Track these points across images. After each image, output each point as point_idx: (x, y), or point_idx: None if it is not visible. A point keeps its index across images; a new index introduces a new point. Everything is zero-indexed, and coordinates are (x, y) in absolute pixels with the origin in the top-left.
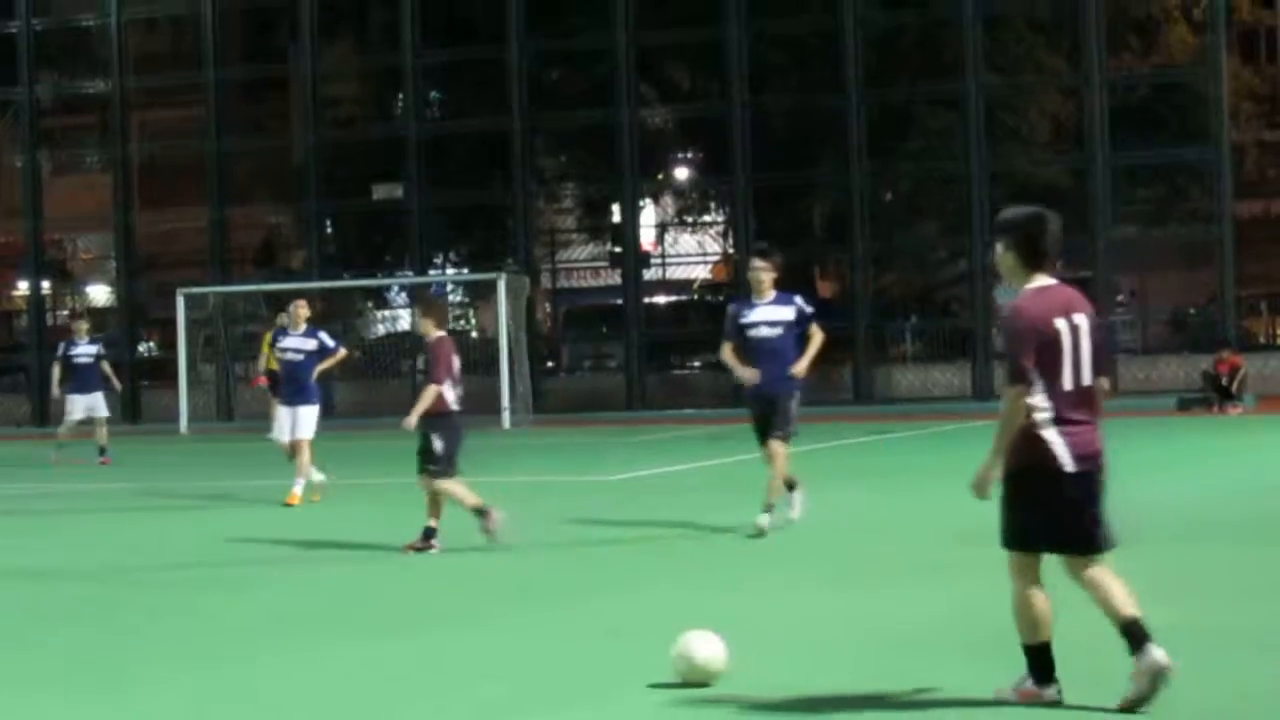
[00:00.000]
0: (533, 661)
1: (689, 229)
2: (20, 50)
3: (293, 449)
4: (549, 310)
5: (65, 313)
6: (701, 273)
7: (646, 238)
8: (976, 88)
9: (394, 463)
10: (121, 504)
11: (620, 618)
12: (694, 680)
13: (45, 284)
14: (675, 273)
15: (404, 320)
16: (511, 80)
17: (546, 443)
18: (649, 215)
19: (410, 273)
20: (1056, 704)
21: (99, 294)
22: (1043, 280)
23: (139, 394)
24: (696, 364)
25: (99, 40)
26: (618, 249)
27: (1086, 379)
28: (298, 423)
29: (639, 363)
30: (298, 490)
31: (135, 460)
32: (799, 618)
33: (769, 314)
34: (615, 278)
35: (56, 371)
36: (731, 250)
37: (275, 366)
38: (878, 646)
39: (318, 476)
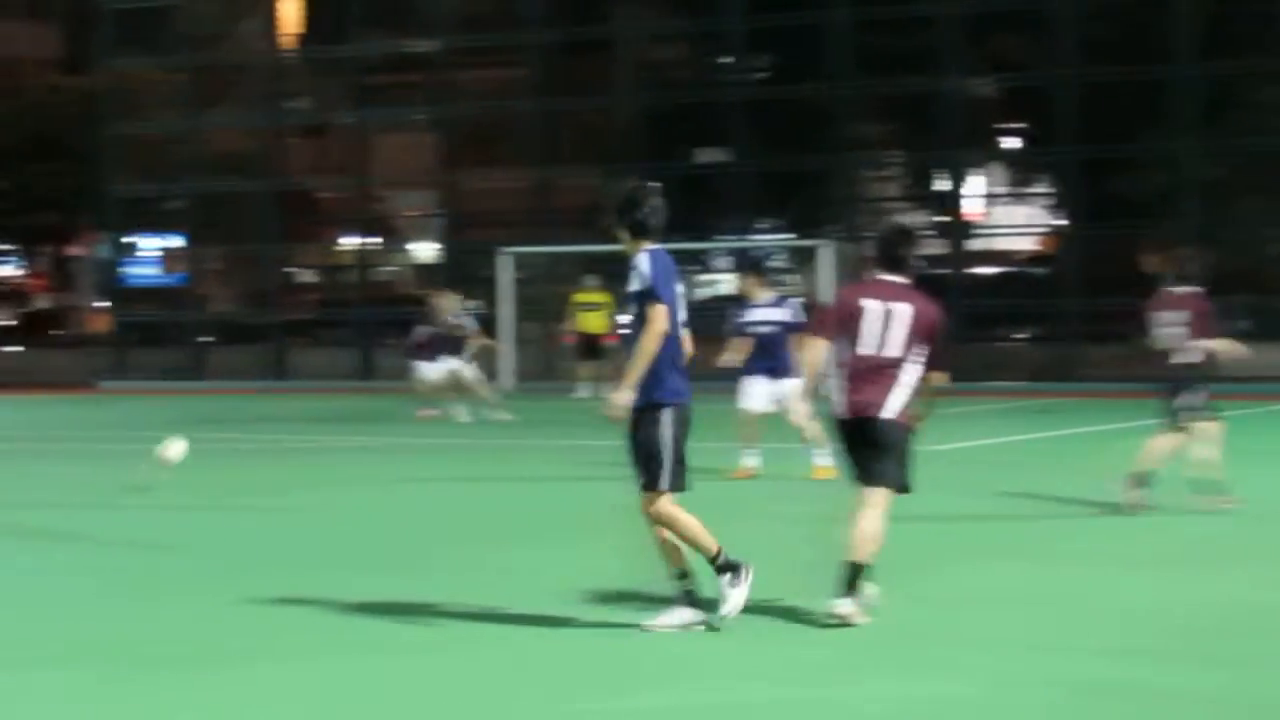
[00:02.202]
0: (869, 627)
1: (1014, 200)
2: (350, 8)
3: (797, 421)
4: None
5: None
6: (1026, 244)
7: (971, 207)
8: None
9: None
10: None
11: (967, 589)
12: None
13: (370, 240)
14: (999, 243)
15: (725, 285)
16: (837, 46)
17: None
18: (974, 185)
19: (732, 237)
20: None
21: (422, 251)
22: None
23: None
24: (1018, 335)
25: None
26: (941, 218)
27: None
28: (783, 396)
29: (960, 333)
30: (824, 461)
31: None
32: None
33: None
34: (939, 247)
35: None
36: (1060, 222)
37: (581, 326)
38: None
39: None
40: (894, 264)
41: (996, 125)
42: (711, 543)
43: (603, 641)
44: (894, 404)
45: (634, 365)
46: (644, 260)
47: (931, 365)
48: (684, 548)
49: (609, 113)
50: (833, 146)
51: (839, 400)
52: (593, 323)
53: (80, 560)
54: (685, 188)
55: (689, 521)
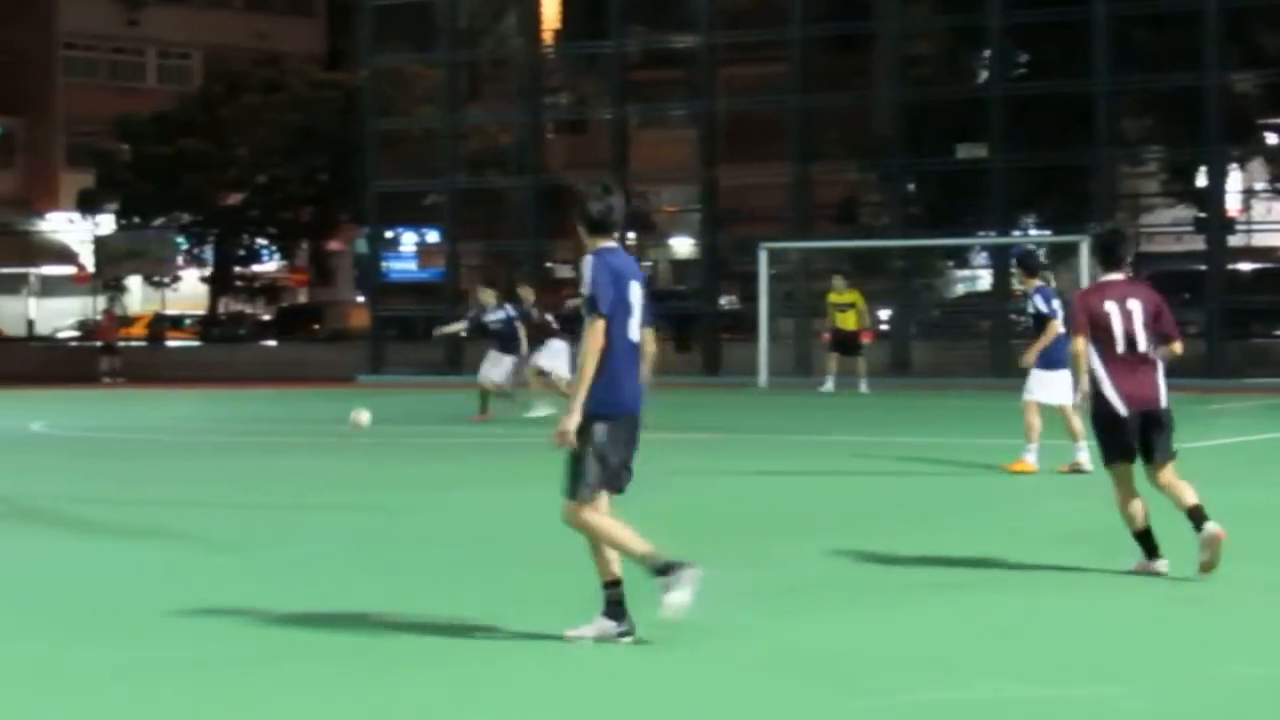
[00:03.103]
0: (1099, 625)
1: (1275, 195)
2: (611, 4)
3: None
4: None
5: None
6: None
7: (1232, 204)
8: None
9: (973, 423)
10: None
11: (1238, 588)
12: None
13: (629, 235)
14: (1260, 240)
15: (984, 280)
16: (1096, 41)
17: None
18: (1234, 181)
19: (991, 233)
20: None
21: (681, 247)
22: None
23: (719, 347)
24: (1278, 332)
25: None
26: (1201, 214)
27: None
28: (1049, 389)
29: (1219, 329)
30: (1082, 458)
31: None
32: None
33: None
34: (1198, 243)
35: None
36: None
37: (838, 324)
38: None
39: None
40: (1115, 263)
41: (1258, 120)
42: (640, 545)
43: (874, 634)
44: (1164, 392)
45: (576, 387)
46: (587, 264)
47: (1168, 340)
48: (614, 556)
49: (869, 108)
50: (1092, 142)
51: (1115, 397)
52: (848, 320)
53: (379, 554)
54: (944, 184)
55: (611, 527)
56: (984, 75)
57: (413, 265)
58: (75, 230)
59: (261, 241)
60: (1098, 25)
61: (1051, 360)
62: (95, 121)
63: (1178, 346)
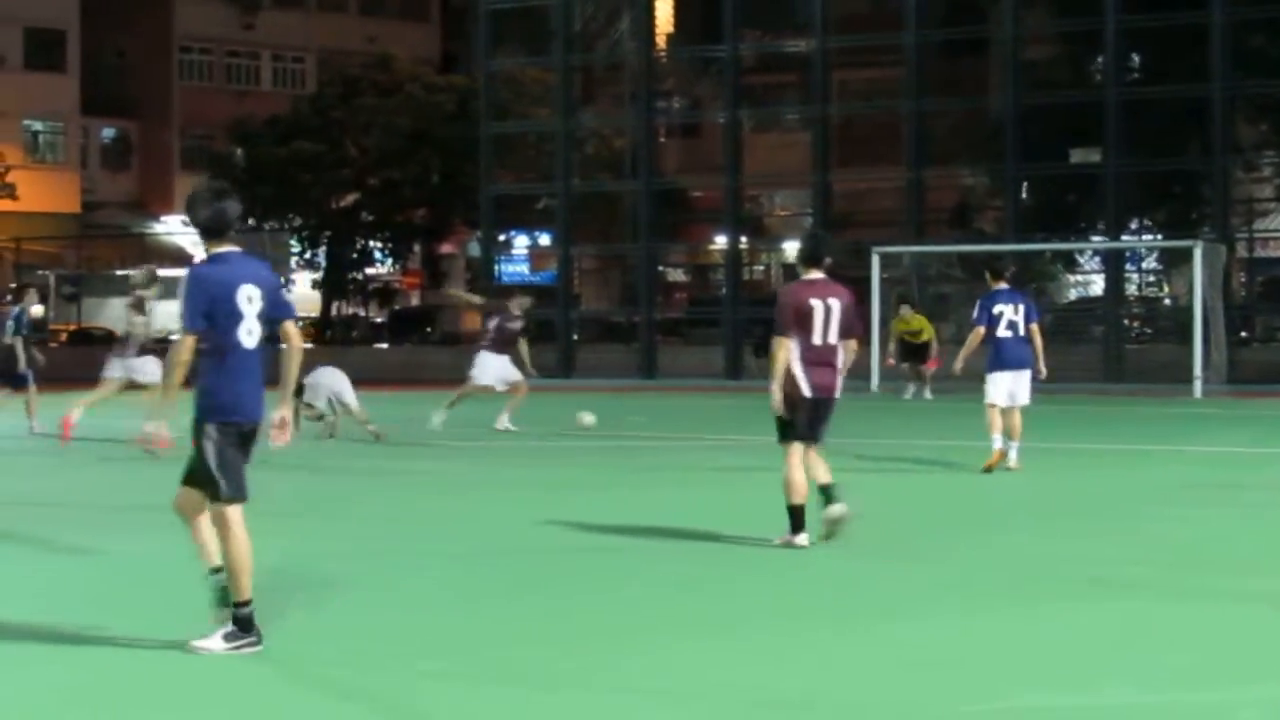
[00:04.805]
0: (1216, 631)
1: None
2: (725, 8)
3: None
4: (1244, 280)
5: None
6: None
7: None
8: None
9: (1084, 429)
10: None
11: None
12: None
13: (742, 239)
14: None
15: (1096, 285)
16: (1213, 46)
17: (1238, 414)
18: None
19: (1104, 237)
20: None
21: (793, 251)
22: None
23: None
24: None
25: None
26: None
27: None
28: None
29: None
30: (1012, 456)
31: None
32: None
33: None
34: None
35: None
36: None
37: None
38: None
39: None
40: (816, 263)
41: None
42: (245, 589)
43: (969, 639)
44: (839, 385)
45: (161, 398)
46: (185, 277)
47: (849, 336)
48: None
49: (983, 112)
50: (1207, 147)
51: (804, 383)
52: (916, 338)
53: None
54: (1058, 188)
55: (243, 541)
56: (1099, 79)
57: (525, 268)
58: (190, 233)
59: (374, 244)
60: (1214, 29)
61: (999, 362)
62: (210, 124)
63: (855, 345)
